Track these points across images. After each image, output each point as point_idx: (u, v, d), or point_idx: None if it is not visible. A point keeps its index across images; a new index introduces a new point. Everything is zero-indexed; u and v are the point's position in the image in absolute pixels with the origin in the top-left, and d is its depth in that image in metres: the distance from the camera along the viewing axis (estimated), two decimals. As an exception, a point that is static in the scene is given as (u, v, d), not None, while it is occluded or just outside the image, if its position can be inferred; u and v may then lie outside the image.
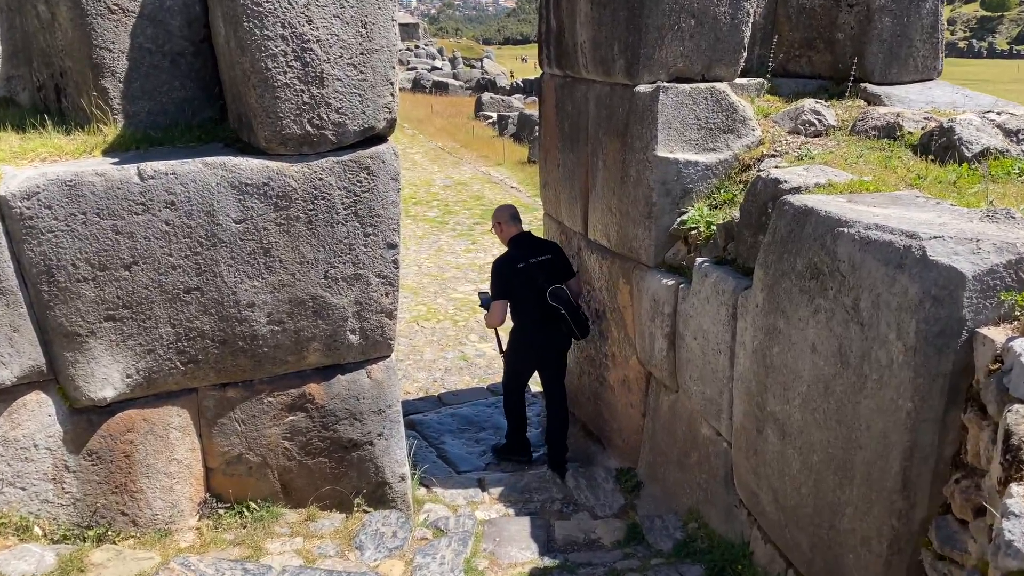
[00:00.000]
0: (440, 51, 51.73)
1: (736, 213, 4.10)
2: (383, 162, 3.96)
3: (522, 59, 48.47)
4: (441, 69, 41.58)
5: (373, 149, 3.94)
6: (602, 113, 5.05)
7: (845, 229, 2.86)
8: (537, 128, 7.78)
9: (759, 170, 4.39)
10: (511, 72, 38.05)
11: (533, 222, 15.12)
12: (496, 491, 4.98)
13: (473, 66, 42.61)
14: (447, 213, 15.67)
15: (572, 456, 5.96)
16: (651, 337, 4.69)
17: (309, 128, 3.76)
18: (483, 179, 19.00)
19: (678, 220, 4.58)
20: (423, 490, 4.96)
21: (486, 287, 12.00)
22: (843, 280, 2.83)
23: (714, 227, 4.31)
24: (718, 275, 3.94)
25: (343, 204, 3.92)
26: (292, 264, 3.91)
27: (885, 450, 2.67)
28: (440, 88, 34.64)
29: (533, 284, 5.31)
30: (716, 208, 4.52)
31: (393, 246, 4.08)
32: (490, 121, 26.10)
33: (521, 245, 5.51)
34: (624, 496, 4.94)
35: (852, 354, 2.80)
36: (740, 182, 4.53)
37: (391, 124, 3.95)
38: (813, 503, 3.10)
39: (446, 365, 8.60)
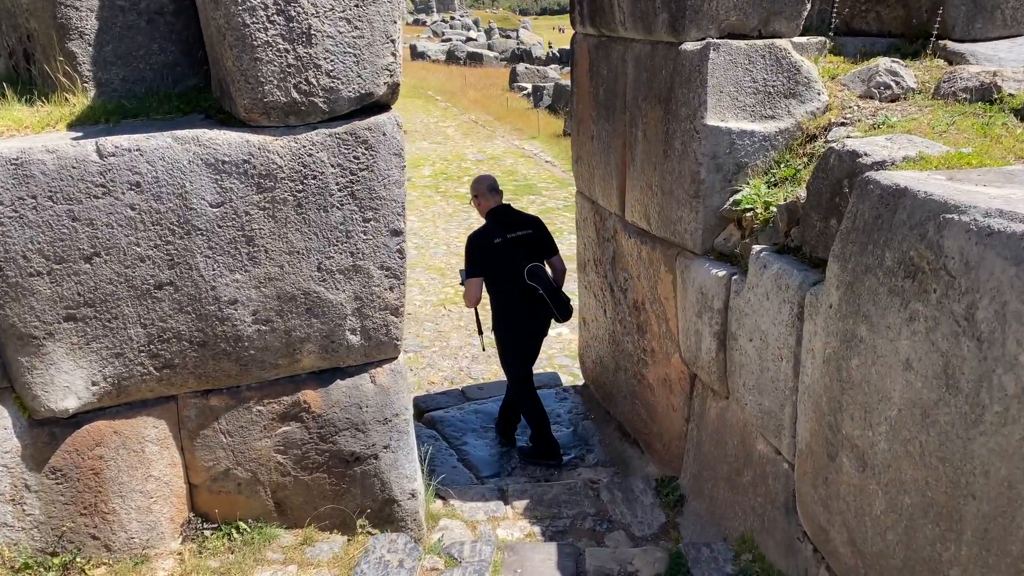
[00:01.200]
0: (476, 22, 50.84)
1: (801, 192, 3.46)
2: (384, 135, 3.39)
3: (559, 29, 47.42)
4: (476, 40, 40.78)
5: (372, 119, 3.37)
6: (642, 77, 4.42)
7: (955, 216, 2.22)
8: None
9: (828, 141, 3.74)
10: (548, 43, 37.12)
11: (567, 199, 14.49)
12: (520, 504, 4.44)
13: (508, 36, 41.70)
14: (479, 189, 15.04)
15: (607, 460, 5.40)
16: (697, 335, 4.09)
17: (295, 95, 3.20)
18: (516, 153, 18.35)
19: (730, 200, 3.95)
20: (439, 503, 4.44)
21: None
22: (952, 281, 2.21)
23: (774, 208, 3.68)
24: (780, 267, 3.32)
25: (338, 184, 3.37)
26: (279, 254, 3.37)
27: (1010, 505, 2.05)
28: (474, 59, 33.90)
29: (511, 261, 5.02)
30: (775, 186, 3.88)
31: (397, 233, 3.53)
32: (525, 92, 25.36)
33: (499, 219, 5.18)
34: (665, 512, 4.37)
35: (964, 377, 2.18)
36: (804, 155, 3.89)
37: (393, 90, 3.37)
38: (903, 555, 2.50)
39: (473, 352, 8.07)
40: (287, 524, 3.80)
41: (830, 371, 2.87)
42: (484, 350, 6.51)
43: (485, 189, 5.30)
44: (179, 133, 3.17)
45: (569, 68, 27.60)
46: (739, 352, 3.67)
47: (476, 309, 5.42)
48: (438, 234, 12.15)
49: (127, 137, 3.12)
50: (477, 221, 12.85)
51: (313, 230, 3.39)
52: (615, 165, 4.96)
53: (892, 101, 3.99)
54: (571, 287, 9.90)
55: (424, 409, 6.05)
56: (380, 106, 3.42)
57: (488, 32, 44.03)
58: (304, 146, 3.28)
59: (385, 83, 3.32)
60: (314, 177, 3.33)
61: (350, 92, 3.27)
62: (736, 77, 3.89)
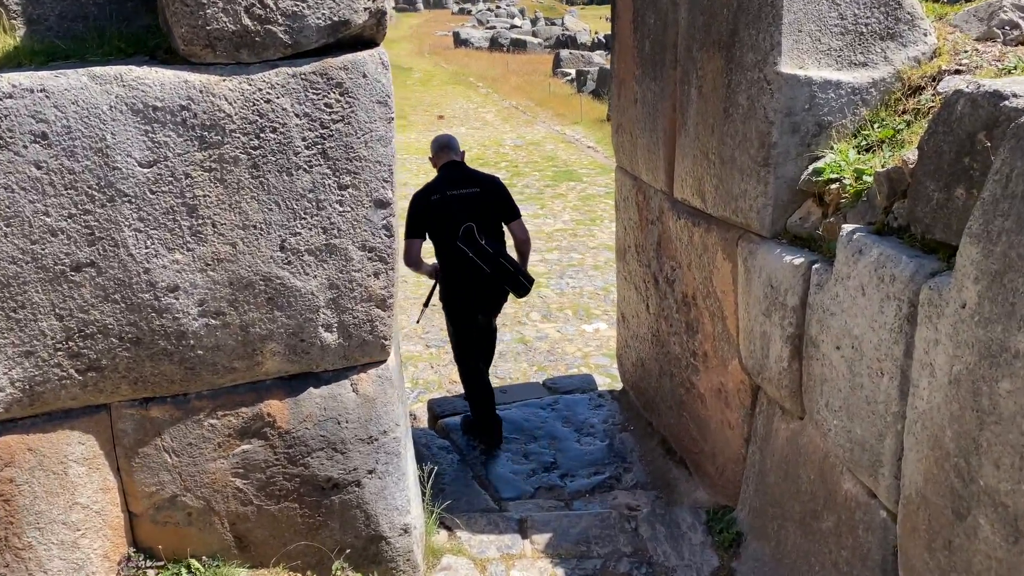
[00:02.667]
0: (522, 11, 49.94)
1: (909, 155, 2.63)
2: (364, 76, 2.64)
3: (606, 19, 46.34)
4: (520, 27, 39.95)
5: (349, 57, 2.63)
6: (697, 20, 3.61)
7: None
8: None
9: (938, 92, 2.91)
10: (594, 30, 36.12)
11: (610, 185, 13.65)
12: (542, 539, 3.68)
13: (554, 24, 40.76)
14: (515, 175, 14.31)
15: (648, 481, 4.61)
16: (764, 338, 3.28)
17: (248, 21, 2.47)
18: (557, 138, 17.53)
19: (810, 169, 3.13)
20: (443, 534, 3.70)
21: (550, 256, 10.17)
22: None
23: (868, 178, 2.86)
24: (882, 252, 2.49)
25: (305, 140, 2.63)
26: (231, 229, 2.65)
27: None
28: (518, 46, 33.08)
29: (449, 221, 4.57)
30: (868, 151, 3.05)
31: (383, 204, 2.78)
32: (568, 78, 24.50)
33: (445, 175, 4.73)
34: (719, 554, 3.57)
35: None
36: (906, 112, 3.05)
37: (377, 19, 2.62)
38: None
39: (500, 349, 7.30)
40: (250, 563, 3.09)
41: (961, 395, 2.06)
42: (418, 322, 5.97)
43: (437, 146, 4.86)
44: (97, 71, 2.46)
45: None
46: (821, 362, 2.85)
47: (435, 280, 5.04)
48: (470, 221, 11.39)
49: (28, 74, 2.42)
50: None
51: (274, 199, 2.66)
52: (662, 132, 4.15)
53: (1021, 44, 3.12)
54: (609, 277, 9.14)
55: (439, 414, 5.32)
56: (360, 41, 2.67)
57: (533, 20, 43.13)
58: (260, 89, 2.55)
59: (366, 8, 2.57)
60: (274, 130, 2.59)
61: (319, 19, 2.52)
62: (819, 13, 3.06)
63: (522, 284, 4.71)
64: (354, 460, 3.01)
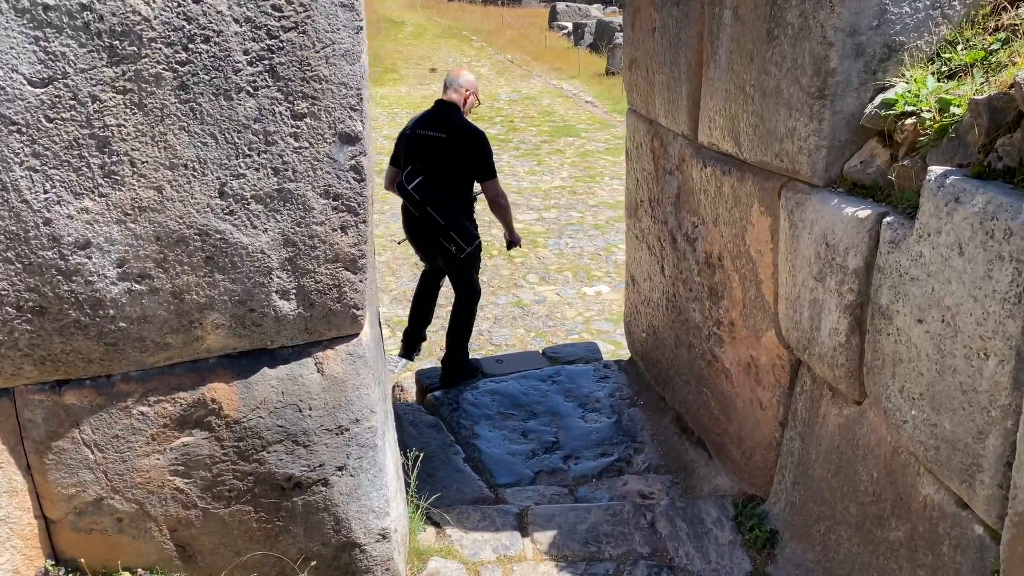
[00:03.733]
0: (515, -37, 48.53)
1: (1020, 75, 2.06)
2: (323, -30, 2.05)
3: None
4: (515, -20, 38.76)
5: (303, -57, 2.03)
6: (735, -76, 3.00)
7: None
8: (617, 35, 5.58)
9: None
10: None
11: (609, 140, 13.02)
12: (545, 536, 3.17)
13: (549, -24, 39.55)
14: (511, 130, 13.67)
15: (661, 464, 4.10)
16: (814, 306, 2.73)
17: None
18: (554, 93, 16.83)
19: (877, 100, 2.56)
20: (431, 531, 3.18)
21: (548, 215, 9.70)
22: None
23: (957, 110, 2.29)
24: (990, 200, 1.94)
25: (247, 54, 2.05)
26: (155, 169, 2.08)
27: None
28: (513, 0, 32.09)
29: (411, 158, 4.57)
30: (952, 78, 2.48)
31: (351, 139, 2.21)
32: (565, 32, 23.67)
33: (428, 112, 4.65)
34: (750, 555, 3.07)
35: None
36: (1000, 29, 2.47)
37: None
38: None
39: (496, 313, 6.80)
40: (196, 575, 2.57)
41: (1120, 390, 1.52)
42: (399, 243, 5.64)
43: (443, 83, 4.76)
44: (-32, -45, 1.86)
45: (615, 8, 25.71)
46: (894, 338, 2.31)
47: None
48: (463, 177, 10.77)
49: None
50: (508, 164, 11.50)
51: (209, 130, 2.08)
52: (685, 65, 3.56)
53: None
54: (610, 237, 8.58)
55: (427, 387, 4.79)
56: (319, -77, 2.07)
57: (528, -28, 41.84)
58: (186, -16, 1.96)
59: None
60: (206, 40, 2.01)
61: None
62: (893, -95, 2.46)
63: (452, 240, 4.54)
64: (320, 455, 2.48)
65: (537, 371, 4.85)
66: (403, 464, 3.29)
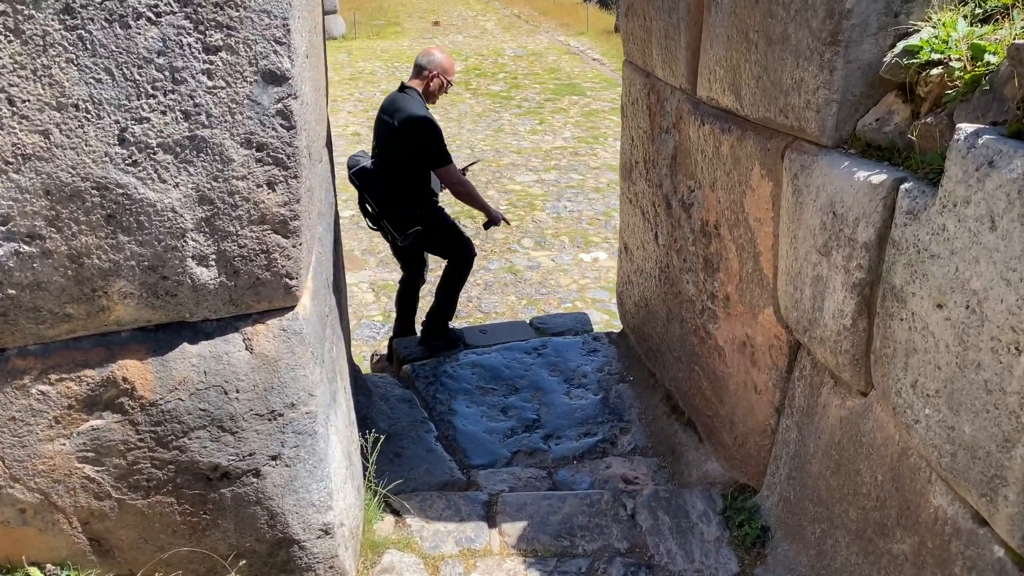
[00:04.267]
0: (527, -84, 47.35)
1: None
2: None
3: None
4: (526, -66, 37.79)
5: None
6: None
7: None
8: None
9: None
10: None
11: (615, 100, 12.57)
12: (514, 528, 2.90)
13: (561, -69, 38.50)
14: (514, 87, 13.23)
15: (648, 446, 3.82)
16: (817, 283, 2.41)
17: None
18: (560, 49, 16.32)
19: (898, 48, 2.22)
20: (389, 520, 2.91)
21: (548, 176, 9.47)
22: None
23: (992, 57, 1.95)
24: (1032, 163, 1.60)
25: (145, -28, 1.72)
26: (40, 110, 1.76)
27: None
28: (523, -47, 31.21)
29: (373, 139, 4.54)
30: (986, 21, 2.13)
31: (277, 78, 1.88)
32: (575, -14, 22.96)
33: (391, 94, 4.52)
34: (738, 555, 2.79)
35: None
36: (1045, -36, 2.11)
37: None
38: None
39: (487, 279, 6.50)
40: (115, 571, 2.30)
41: None
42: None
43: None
44: None
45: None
46: (908, 324, 1.99)
47: None
48: (462, 135, 10.43)
49: None
50: (509, 123, 11.13)
51: (103, 64, 1.76)
52: (685, 9, 3.20)
53: None
54: (611, 201, 8.22)
55: (404, 357, 4.50)
56: None
57: (540, -74, 40.81)
58: None
59: None
60: (93, -47, 1.67)
61: None
62: None
63: (386, 229, 4.40)
64: (250, 442, 2.19)
65: (522, 343, 4.55)
66: (362, 446, 3.01)
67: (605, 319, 5.90)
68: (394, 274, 6.59)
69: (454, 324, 5.77)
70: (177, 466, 2.18)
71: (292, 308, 2.17)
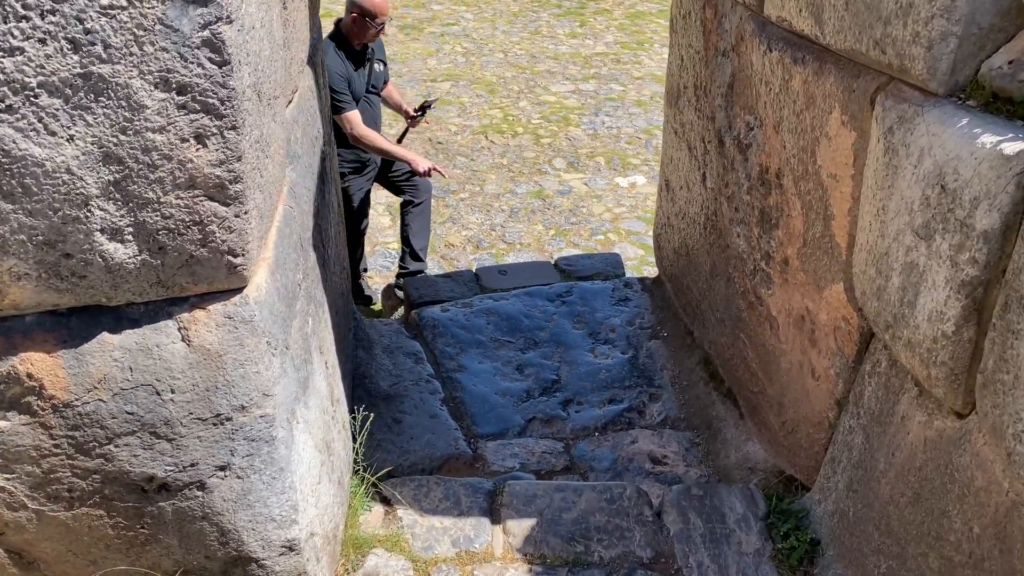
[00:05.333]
0: None
1: None
2: None
3: None
4: None
5: None
6: None
7: None
8: None
9: None
10: None
11: (664, 1, 11.63)
12: (520, 526, 2.51)
13: None
14: (554, -16, 12.27)
15: (681, 416, 3.39)
16: (910, 272, 1.90)
17: None
18: (607, -57, 15.14)
19: (1057, -37, 1.63)
20: (378, 510, 2.54)
21: (586, 87, 8.78)
22: None
23: None
24: None
25: None
26: None
27: None
28: None
29: None
30: None
31: (196, -4, 1.37)
32: None
33: None
34: (781, 574, 2.38)
35: None
36: None
37: None
38: None
39: (513, 204, 5.99)
40: (44, 585, 1.96)
41: None
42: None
43: None
44: None
45: None
46: (1043, 352, 1.49)
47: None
48: (496, 37, 9.70)
49: None
50: (547, 24, 10.35)
51: (-52, -27, 1.26)
52: (756, -96, 2.58)
53: None
54: (654, 116, 7.56)
55: (414, 301, 4.07)
56: None
57: None
58: None
59: None
60: None
61: None
62: None
63: None
64: (191, 451, 1.78)
65: (545, 288, 4.08)
66: (351, 425, 2.62)
67: (639, 254, 5.39)
68: (414, 195, 6.12)
69: (475, 256, 5.34)
70: (104, 476, 1.79)
71: (240, 290, 1.72)
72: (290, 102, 2.22)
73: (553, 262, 4.50)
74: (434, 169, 4.25)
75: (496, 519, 2.54)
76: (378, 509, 2.54)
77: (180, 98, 1.44)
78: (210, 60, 1.43)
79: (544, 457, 3.09)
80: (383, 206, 5.98)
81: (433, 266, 5.28)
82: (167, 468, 1.79)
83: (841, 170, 2.26)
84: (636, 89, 8.24)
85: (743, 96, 2.88)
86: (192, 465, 1.79)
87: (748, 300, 3.05)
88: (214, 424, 1.77)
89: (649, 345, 3.75)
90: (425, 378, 3.42)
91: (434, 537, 2.45)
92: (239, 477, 1.84)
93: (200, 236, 1.59)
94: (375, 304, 4.75)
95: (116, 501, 1.83)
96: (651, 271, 5.18)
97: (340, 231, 3.20)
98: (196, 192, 1.54)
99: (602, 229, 5.69)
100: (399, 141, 4.77)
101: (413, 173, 4.30)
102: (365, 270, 4.80)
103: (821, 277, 2.48)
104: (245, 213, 1.61)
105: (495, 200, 6.04)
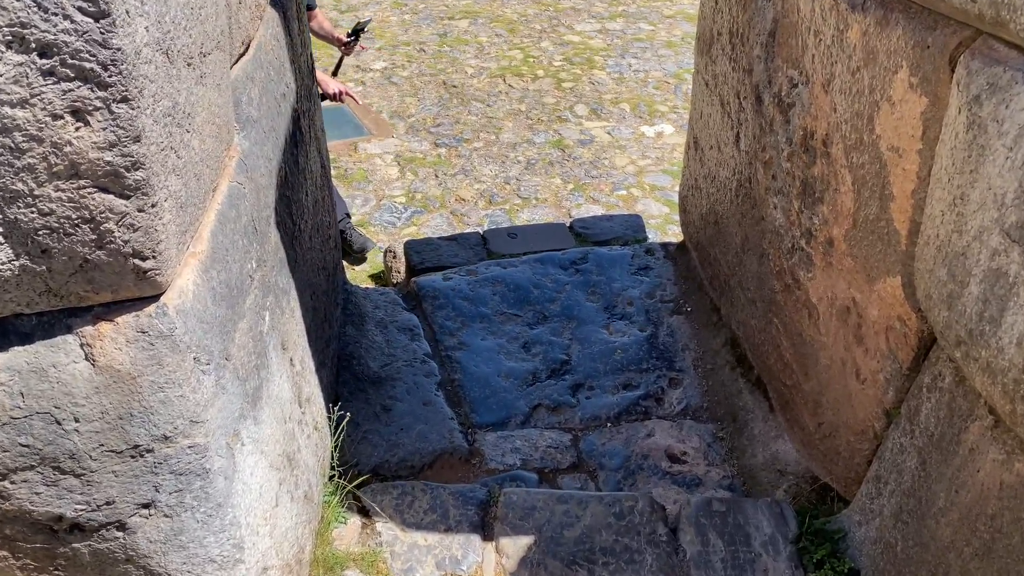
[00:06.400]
0: None
1: None
2: None
3: None
4: None
5: None
6: None
7: None
8: None
9: None
10: None
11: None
12: (516, 545, 2.21)
13: None
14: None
15: (703, 405, 3.06)
16: (995, 281, 1.52)
17: None
18: None
19: None
20: (355, 523, 2.25)
21: (612, 26, 8.29)
22: None
23: None
24: None
25: None
26: None
27: None
28: None
29: None
30: None
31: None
32: None
33: None
34: (813, 610, 2.06)
35: None
36: None
37: None
38: None
39: (529, 155, 5.59)
40: (-48, 626, 1.69)
41: None
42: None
43: None
44: None
45: None
46: None
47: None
48: (518, -27, 9.10)
49: None
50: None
51: None
52: None
53: None
54: (685, 59, 7.03)
55: (415, 266, 3.73)
56: None
57: None
58: None
59: None
60: None
61: None
62: None
63: None
64: (104, 488, 1.48)
65: (558, 254, 3.72)
66: (326, 422, 2.31)
67: (664, 212, 5.00)
68: (424, 144, 5.73)
69: (487, 212, 4.97)
70: (2, 515, 1.49)
71: (156, 298, 1.39)
72: (242, 56, 1.85)
73: (568, 224, 4.12)
74: (346, 93, 3.84)
75: (488, 534, 2.24)
76: (355, 521, 2.25)
77: (44, 62, 1.09)
78: (81, 11, 1.07)
79: (548, 452, 2.78)
80: (391, 155, 5.61)
81: (442, 222, 4.93)
82: (78, 507, 1.49)
83: (906, 143, 1.86)
84: (666, 29, 7.70)
85: (786, 47, 2.45)
86: (108, 504, 1.49)
87: (784, 281, 2.68)
88: (132, 457, 1.46)
89: (670, 321, 3.40)
90: (421, 358, 3.10)
91: (416, 557, 2.16)
92: (167, 516, 1.54)
93: (94, 236, 1.26)
94: (365, 253, 4.31)
95: (20, 542, 1.53)
96: (676, 232, 4.79)
97: (325, 196, 2.86)
98: (82, 183, 1.20)
99: (625, 183, 5.29)
100: (335, 73, 4.32)
101: (323, 97, 3.84)
102: (348, 215, 4.34)
103: (873, 266, 2.10)
104: (152, 206, 1.27)
105: (511, 150, 5.64)
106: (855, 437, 2.31)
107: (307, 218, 2.42)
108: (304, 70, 2.54)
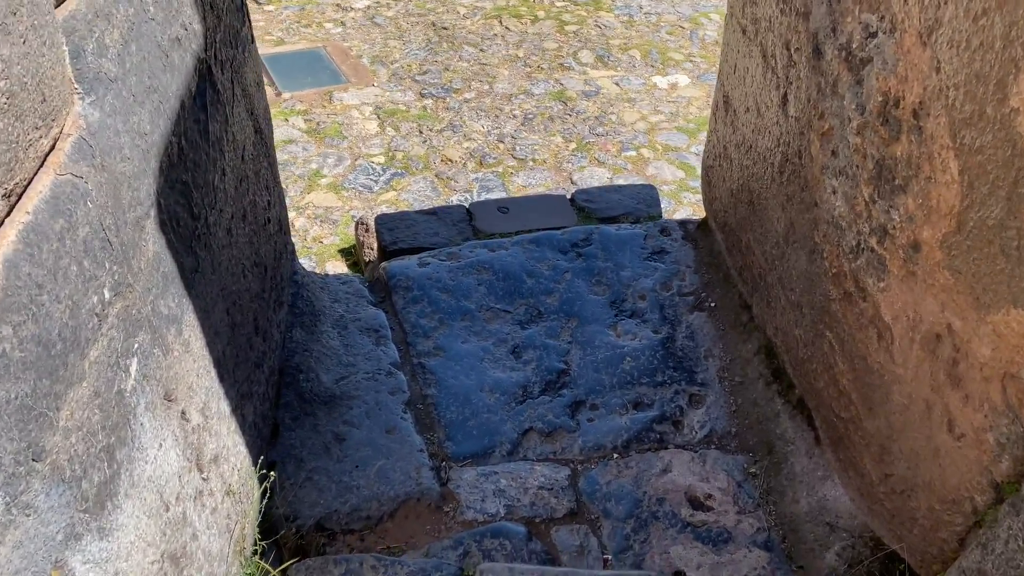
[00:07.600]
0: None
1: None
2: None
3: None
4: None
5: None
6: None
7: None
8: None
9: None
10: None
11: None
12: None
13: None
14: None
15: (731, 431, 2.50)
16: None
17: None
18: None
19: None
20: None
21: None
22: None
23: None
24: None
25: None
26: None
27: None
28: None
29: None
30: None
31: None
32: None
33: None
34: None
35: None
36: None
37: None
38: None
39: (527, 108, 4.95)
40: None
41: None
42: None
43: None
44: None
45: None
46: None
47: None
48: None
49: None
50: None
51: None
52: None
53: None
54: (708, 1, 6.28)
55: (386, 246, 3.14)
56: None
57: None
58: None
59: None
60: None
61: None
62: None
63: None
64: None
65: (556, 233, 3.12)
66: (255, 471, 1.75)
67: (679, 177, 4.39)
68: (408, 95, 5.07)
69: (477, 176, 4.35)
70: None
71: None
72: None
73: (570, 196, 3.51)
74: None
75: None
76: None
77: None
78: None
79: (540, 495, 2.24)
80: (370, 107, 4.96)
81: (425, 187, 4.32)
82: None
83: (1068, 124, 1.26)
84: (682, -35, 6.94)
85: (865, -19, 1.83)
86: None
87: (843, 288, 2.10)
88: None
89: (690, 320, 2.83)
90: (387, 368, 2.53)
91: (360, 667, 1.62)
92: None
93: None
94: None
95: None
96: (692, 202, 4.19)
97: (261, 170, 2.25)
98: None
99: (634, 143, 4.66)
100: None
101: None
102: None
103: (989, 289, 1.52)
104: None
105: (506, 102, 4.99)
106: (943, 506, 1.76)
107: (224, 205, 1.83)
108: (218, 4, 1.91)
